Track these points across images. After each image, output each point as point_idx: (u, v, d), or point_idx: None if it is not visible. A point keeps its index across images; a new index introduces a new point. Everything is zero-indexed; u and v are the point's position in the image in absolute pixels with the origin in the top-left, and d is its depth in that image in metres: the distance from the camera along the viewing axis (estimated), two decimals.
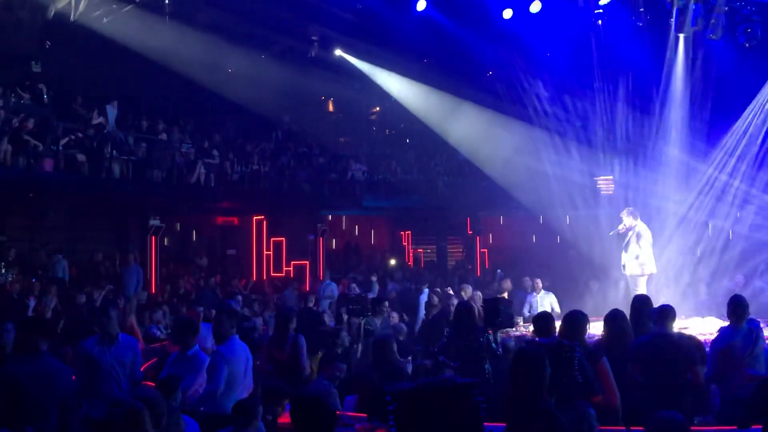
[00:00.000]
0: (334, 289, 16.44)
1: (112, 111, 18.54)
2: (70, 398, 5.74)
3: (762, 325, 11.80)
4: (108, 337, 6.89)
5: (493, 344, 8.61)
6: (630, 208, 15.47)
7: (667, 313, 7.07)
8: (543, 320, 7.01)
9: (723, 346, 6.93)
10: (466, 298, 11.92)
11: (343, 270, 20.60)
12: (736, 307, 7.13)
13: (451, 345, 9.15)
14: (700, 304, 14.50)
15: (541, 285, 14.77)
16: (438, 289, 14.35)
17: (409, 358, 10.91)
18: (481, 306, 9.71)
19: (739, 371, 6.73)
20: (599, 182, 21.36)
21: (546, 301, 14.07)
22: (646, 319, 7.47)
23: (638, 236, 14.75)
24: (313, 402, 3.52)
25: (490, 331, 8.76)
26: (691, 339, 7.54)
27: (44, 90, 18.28)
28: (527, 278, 15.36)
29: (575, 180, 22.33)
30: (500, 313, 8.93)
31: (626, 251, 14.96)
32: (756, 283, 15.43)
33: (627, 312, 7.78)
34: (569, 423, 5.15)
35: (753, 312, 7.78)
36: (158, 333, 12.93)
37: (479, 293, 13.42)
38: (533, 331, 7.14)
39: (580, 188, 22.08)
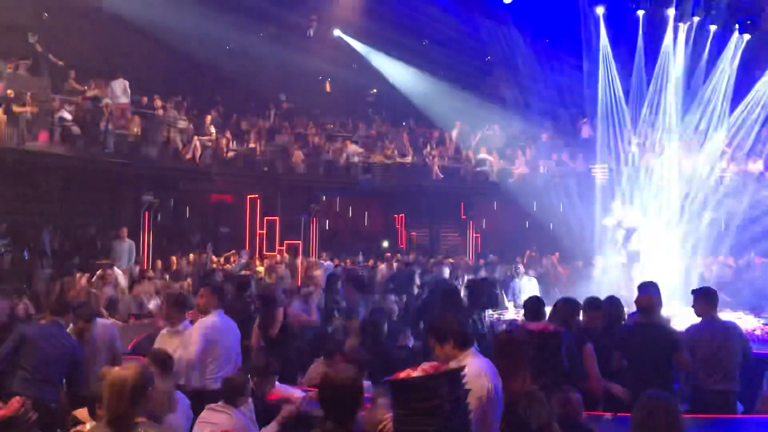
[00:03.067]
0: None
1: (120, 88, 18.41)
2: None
3: (752, 315, 11.98)
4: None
5: (479, 324, 8.68)
6: (617, 201, 15.65)
7: (652, 303, 7.08)
8: (533, 304, 7.02)
9: (692, 340, 6.93)
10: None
11: (335, 251, 20.59)
12: (705, 299, 7.13)
13: None
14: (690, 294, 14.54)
15: (523, 270, 14.86)
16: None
17: (409, 334, 10.98)
18: (467, 287, 9.75)
19: (709, 364, 6.75)
20: (594, 170, 21.37)
21: (528, 287, 14.19)
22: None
23: (628, 228, 14.90)
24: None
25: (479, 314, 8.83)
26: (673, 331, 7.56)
27: (40, 61, 18.15)
28: (517, 264, 15.51)
29: (570, 167, 22.37)
30: (483, 293, 9.00)
31: (620, 239, 15.12)
32: (747, 272, 15.59)
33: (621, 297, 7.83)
34: (555, 406, 5.19)
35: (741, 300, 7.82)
36: (149, 308, 12.95)
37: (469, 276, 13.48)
38: (523, 315, 7.15)
39: (574, 176, 22.11)
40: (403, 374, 3.60)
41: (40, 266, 14.97)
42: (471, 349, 4.37)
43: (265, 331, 8.42)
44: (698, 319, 7.13)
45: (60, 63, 18.33)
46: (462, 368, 3.70)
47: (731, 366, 6.87)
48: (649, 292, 7.56)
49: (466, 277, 15.08)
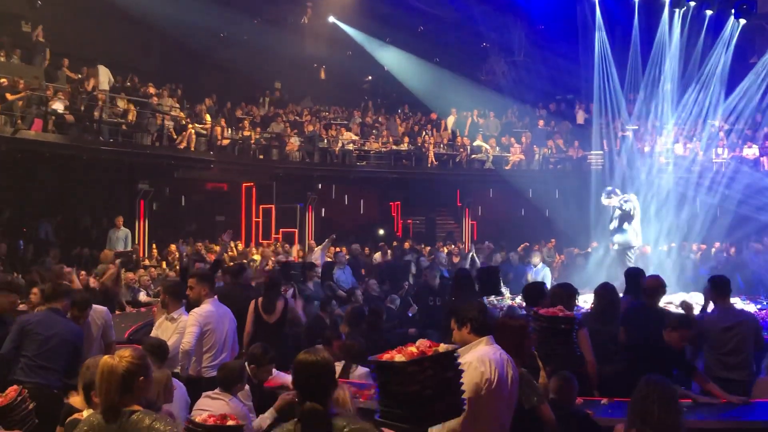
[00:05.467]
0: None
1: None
2: None
3: (747, 302, 12.01)
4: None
5: None
6: (608, 188, 15.68)
7: (656, 288, 7.14)
8: (535, 291, 7.03)
9: (704, 327, 6.94)
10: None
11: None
12: (720, 287, 7.14)
13: (436, 311, 9.37)
14: (686, 279, 14.63)
15: (539, 259, 14.91)
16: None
17: (409, 313, 11.10)
18: (475, 275, 9.74)
19: (722, 352, 6.78)
20: (590, 157, 21.40)
21: (540, 275, 14.23)
22: (640, 290, 7.52)
23: (626, 211, 14.93)
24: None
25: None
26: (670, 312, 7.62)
27: (34, 50, 18.06)
28: (535, 251, 15.60)
29: (566, 154, 22.38)
30: (499, 280, 9.05)
31: (614, 225, 15.15)
32: (743, 257, 15.63)
33: (616, 284, 7.82)
34: (552, 391, 5.21)
35: (737, 285, 7.87)
36: (146, 297, 12.96)
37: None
38: (525, 302, 7.13)
39: (570, 163, 22.14)
40: (387, 355, 3.55)
41: (41, 255, 14.93)
42: (487, 337, 4.37)
43: (261, 317, 8.39)
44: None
45: (54, 51, 18.26)
46: (454, 349, 3.65)
47: (744, 354, 6.87)
48: (656, 276, 7.63)
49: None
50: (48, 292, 6.90)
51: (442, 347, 3.58)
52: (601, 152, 21.15)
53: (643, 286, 7.34)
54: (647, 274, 7.97)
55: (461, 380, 3.68)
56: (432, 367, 3.48)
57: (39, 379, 6.22)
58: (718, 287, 7.14)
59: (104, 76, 18.27)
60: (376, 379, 3.62)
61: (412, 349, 3.52)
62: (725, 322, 6.90)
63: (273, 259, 16.00)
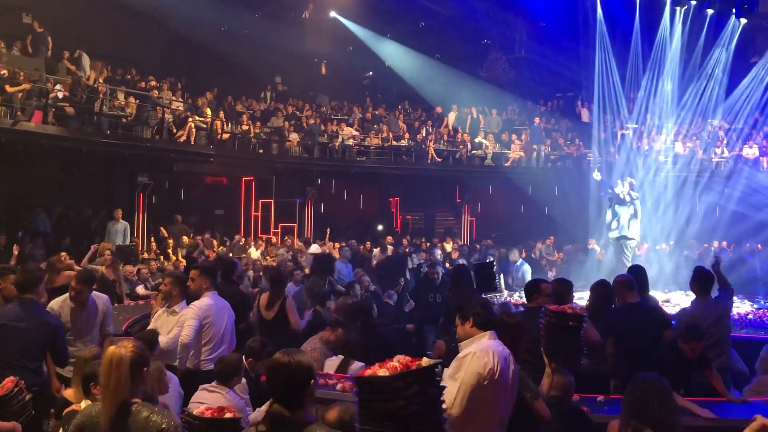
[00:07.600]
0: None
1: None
2: None
3: (745, 300, 12.01)
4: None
5: None
6: (629, 180, 15.62)
7: (624, 283, 7.12)
8: (529, 286, 7.05)
9: (685, 319, 7.05)
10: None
11: (330, 234, 20.56)
12: (702, 281, 7.23)
13: (435, 307, 9.38)
14: (684, 277, 14.61)
15: (517, 255, 14.92)
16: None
17: (405, 308, 11.14)
18: (473, 271, 9.76)
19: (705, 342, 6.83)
20: (590, 155, 21.41)
21: (520, 272, 14.28)
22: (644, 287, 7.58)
23: (632, 204, 14.90)
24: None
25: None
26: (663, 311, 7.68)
27: (35, 42, 18.03)
28: (513, 249, 15.56)
29: (565, 152, 22.38)
30: (493, 276, 9.08)
31: (617, 216, 15.08)
32: (741, 256, 15.64)
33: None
34: (553, 388, 5.23)
35: (735, 284, 7.93)
36: (144, 289, 12.97)
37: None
38: (526, 299, 7.15)
39: (570, 160, 22.13)
40: (369, 371, 3.36)
41: (33, 247, 14.92)
42: (490, 332, 4.45)
43: (261, 313, 8.43)
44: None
45: (55, 43, 18.23)
46: (437, 364, 3.45)
47: (724, 346, 7.02)
48: (624, 273, 7.69)
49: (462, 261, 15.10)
50: (19, 281, 6.38)
51: (425, 361, 3.39)
52: (591, 151, 21.17)
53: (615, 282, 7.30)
54: (639, 270, 7.99)
55: (443, 398, 3.52)
56: (417, 382, 3.31)
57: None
58: (700, 280, 7.22)
59: (85, 62, 18.29)
60: (358, 396, 3.41)
61: (394, 363, 3.34)
62: (708, 317, 7.02)
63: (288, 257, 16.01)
